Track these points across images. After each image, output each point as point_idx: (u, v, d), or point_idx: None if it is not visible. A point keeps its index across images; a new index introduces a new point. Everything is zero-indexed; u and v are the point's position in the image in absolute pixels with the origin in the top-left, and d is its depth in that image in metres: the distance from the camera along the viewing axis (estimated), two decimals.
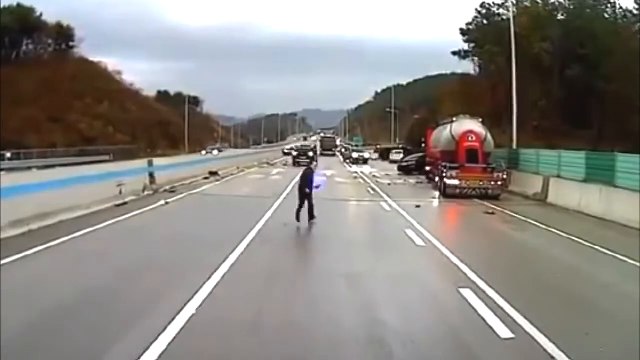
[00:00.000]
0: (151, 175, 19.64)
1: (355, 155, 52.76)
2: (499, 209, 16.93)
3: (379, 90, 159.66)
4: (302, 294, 7.13)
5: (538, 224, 13.77)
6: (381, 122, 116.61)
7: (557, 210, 17.08)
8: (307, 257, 9.19)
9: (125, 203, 15.89)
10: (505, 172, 20.81)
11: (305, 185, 12.62)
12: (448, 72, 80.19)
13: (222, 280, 7.44)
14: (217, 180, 25.45)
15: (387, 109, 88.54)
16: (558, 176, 19.45)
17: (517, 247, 11.16)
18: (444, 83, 77.34)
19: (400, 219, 13.99)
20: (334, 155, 64.04)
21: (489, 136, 22.17)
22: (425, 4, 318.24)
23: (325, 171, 34.33)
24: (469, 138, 21.40)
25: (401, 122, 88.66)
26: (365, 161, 50.10)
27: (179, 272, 7.96)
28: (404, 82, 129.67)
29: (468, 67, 58.05)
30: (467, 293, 7.21)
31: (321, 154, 58.96)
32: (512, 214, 15.85)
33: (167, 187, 19.96)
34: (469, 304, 6.81)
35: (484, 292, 7.28)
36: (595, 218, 14.97)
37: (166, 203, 16.09)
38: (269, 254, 9.32)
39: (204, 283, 7.14)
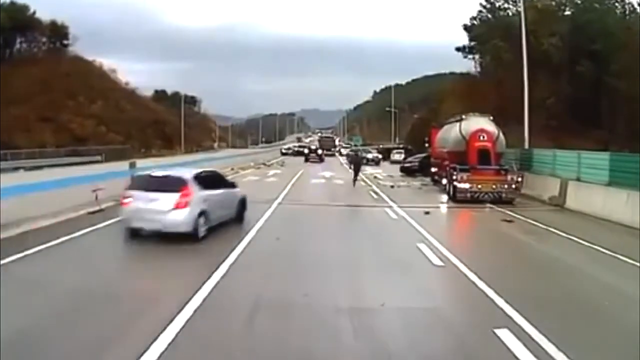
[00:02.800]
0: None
1: (370, 156, 48.36)
2: (516, 215, 15.30)
3: (377, 90, 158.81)
4: (294, 338, 5.46)
5: (566, 234, 12.09)
6: (380, 122, 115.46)
7: (580, 218, 15.47)
8: (301, 285, 7.39)
9: (101, 210, 14.21)
10: (520, 175, 19.18)
11: (357, 165, 25.40)
12: (447, 71, 78.98)
13: (191, 318, 5.79)
14: None
15: (387, 109, 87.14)
16: (578, 179, 17.85)
17: (551, 266, 9.34)
18: (444, 82, 75.87)
19: (410, 230, 12.31)
20: (333, 155, 62.21)
21: (501, 135, 20.50)
22: (423, 5, 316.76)
23: (325, 173, 32.68)
24: (481, 137, 19.72)
25: (401, 122, 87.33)
26: (377, 162, 47.90)
27: (140, 304, 6.30)
28: (402, 82, 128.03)
29: (469, 66, 56.41)
30: (505, 336, 5.63)
31: None
32: (532, 222, 14.19)
33: None
34: (511, 352, 5.24)
35: (526, 334, 5.71)
36: (623, 226, 13.37)
37: None
38: (255, 279, 7.62)
39: (169, 322, 5.52)
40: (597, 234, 12.09)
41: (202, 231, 10.16)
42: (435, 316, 6.30)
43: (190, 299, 6.32)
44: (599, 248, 10.49)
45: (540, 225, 13.61)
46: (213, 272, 7.51)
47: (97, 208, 14.33)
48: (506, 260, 9.36)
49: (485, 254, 9.89)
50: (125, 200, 10.49)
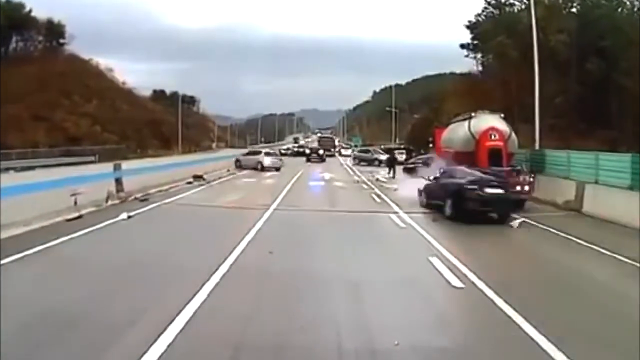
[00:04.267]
0: (118, 181, 16.62)
1: (383, 157, 41.84)
2: (532, 222, 14.07)
3: (377, 90, 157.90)
4: None
5: (595, 246, 10.82)
6: (380, 122, 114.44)
7: (601, 224, 14.23)
8: (296, 317, 6.07)
9: (79, 217, 12.95)
10: (533, 177, 18.02)
11: (392, 164, 31.92)
12: (447, 71, 78.01)
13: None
14: (202, 185, 22.40)
15: (387, 108, 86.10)
16: (596, 182, 16.63)
17: (591, 289, 7.83)
18: (445, 82, 74.85)
19: (420, 240, 11.01)
20: (332, 155, 60.93)
21: (513, 134, 19.26)
22: (423, 4, 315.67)
23: (324, 174, 31.44)
24: (492, 137, 18.47)
25: (400, 122, 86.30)
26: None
27: (102, 337, 5.07)
28: (402, 82, 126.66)
29: (470, 65, 55.21)
30: None
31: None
32: (551, 229, 12.93)
33: (138, 195, 16.98)
34: None
35: None
36: None
37: (129, 217, 13.10)
38: (240, 310, 6.28)
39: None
40: (626, 245, 10.76)
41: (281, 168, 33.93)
42: (464, 358, 5.05)
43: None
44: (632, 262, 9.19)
45: (562, 234, 12.34)
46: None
47: (75, 214, 13.09)
48: (534, 280, 8.06)
49: (508, 271, 8.60)
50: (243, 157, 35.85)
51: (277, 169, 33.67)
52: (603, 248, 10.49)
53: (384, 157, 42.41)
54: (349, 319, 6.02)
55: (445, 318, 6.29)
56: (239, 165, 34.78)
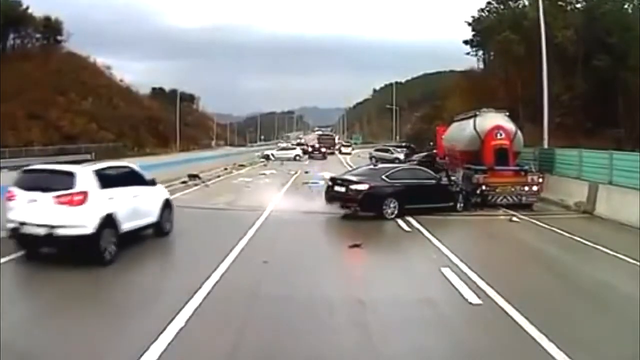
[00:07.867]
0: None
1: (402, 156, 38.93)
2: (543, 225, 13.37)
3: (377, 88, 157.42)
4: None
5: (611, 251, 10.06)
6: (380, 119, 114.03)
7: (615, 227, 13.52)
8: (291, 345, 5.22)
9: None
10: (541, 176, 17.31)
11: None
12: (447, 69, 77.63)
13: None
14: (196, 185, 21.59)
15: (387, 106, 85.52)
16: (609, 183, 15.86)
17: (608, 294, 7.22)
18: (445, 80, 74.32)
19: (429, 247, 10.13)
20: (332, 154, 60.05)
21: (519, 133, 18.66)
22: (423, 3, 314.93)
23: (324, 173, 30.63)
24: (498, 135, 17.79)
25: (401, 119, 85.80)
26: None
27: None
28: (402, 80, 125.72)
29: (470, 63, 54.44)
30: None
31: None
32: (564, 233, 12.15)
33: None
34: None
35: None
36: None
37: None
38: (224, 339, 5.33)
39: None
40: None
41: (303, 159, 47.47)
42: None
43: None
44: None
45: (577, 238, 11.57)
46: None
47: None
48: (556, 295, 7.26)
49: (526, 284, 7.76)
50: (277, 152, 50.13)
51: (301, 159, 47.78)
52: (624, 255, 9.68)
53: (402, 155, 39.04)
54: (355, 349, 5.15)
55: (464, 346, 5.40)
56: (271, 159, 44.04)
